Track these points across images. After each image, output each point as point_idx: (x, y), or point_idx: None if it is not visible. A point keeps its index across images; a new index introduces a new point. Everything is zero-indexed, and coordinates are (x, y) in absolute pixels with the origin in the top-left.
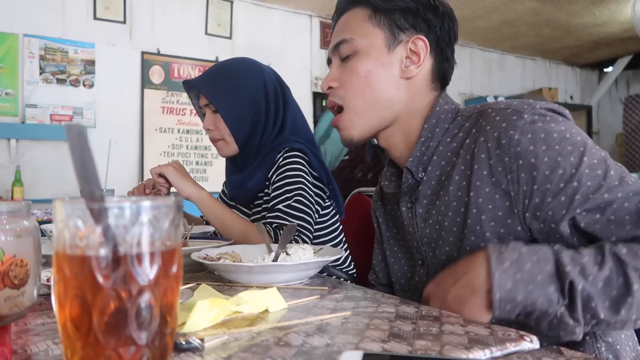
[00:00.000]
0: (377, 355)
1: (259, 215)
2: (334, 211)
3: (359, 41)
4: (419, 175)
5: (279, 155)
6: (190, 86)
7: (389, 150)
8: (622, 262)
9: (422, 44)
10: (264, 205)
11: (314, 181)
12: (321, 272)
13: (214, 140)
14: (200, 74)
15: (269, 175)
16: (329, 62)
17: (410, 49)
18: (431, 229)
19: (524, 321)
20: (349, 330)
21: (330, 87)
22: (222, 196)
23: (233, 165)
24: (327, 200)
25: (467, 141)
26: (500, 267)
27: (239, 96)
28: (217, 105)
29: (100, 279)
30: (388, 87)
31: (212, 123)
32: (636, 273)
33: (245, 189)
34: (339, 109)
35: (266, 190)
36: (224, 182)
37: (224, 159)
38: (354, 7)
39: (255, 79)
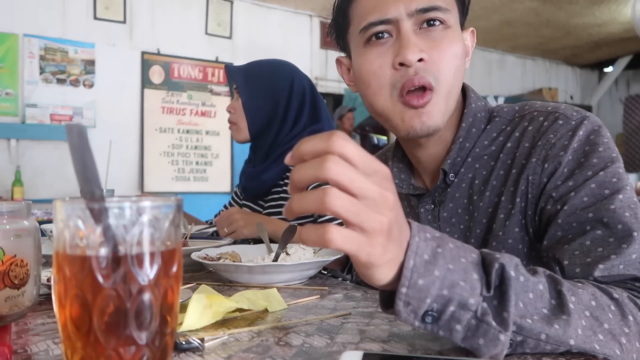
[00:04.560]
0: (377, 355)
1: (272, 211)
2: None
3: (451, 15)
4: (450, 177)
5: None
6: (228, 70)
7: (423, 149)
8: (556, 280)
9: (472, 38)
10: (279, 202)
11: None
12: (327, 271)
13: (230, 124)
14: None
15: (287, 174)
16: (383, 23)
17: (464, 42)
18: (460, 234)
19: (429, 329)
20: (349, 330)
21: (420, 60)
22: (235, 198)
23: (249, 160)
24: None
25: (509, 145)
26: (422, 234)
27: (263, 88)
28: (241, 89)
29: (100, 279)
30: (463, 76)
31: (233, 106)
32: (571, 294)
33: (260, 181)
34: (421, 89)
35: (285, 187)
36: (237, 185)
37: (224, 159)
38: None
39: (283, 78)
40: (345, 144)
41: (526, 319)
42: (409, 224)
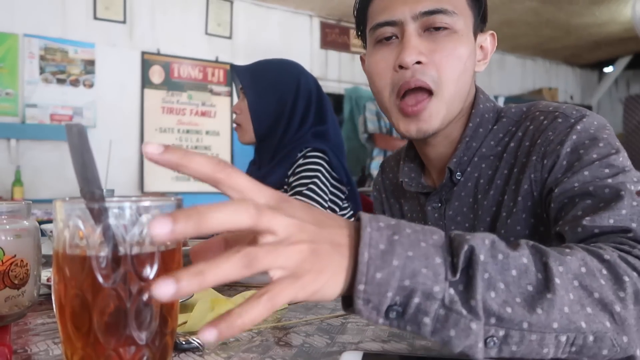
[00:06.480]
0: (377, 355)
1: None
2: (351, 213)
3: (459, 18)
4: (457, 176)
5: (299, 155)
6: (234, 70)
7: (431, 147)
8: (541, 251)
9: (492, 41)
10: None
11: (333, 182)
12: None
13: (235, 125)
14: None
15: (289, 173)
16: (389, 24)
17: (481, 45)
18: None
19: (395, 325)
20: (349, 330)
21: (418, 62)
22: None
23: (254, 162)
24: (344, 202)
25: (512, 145)
26: (374, 223)
27: (269, 89)
28: (246, 90)
29: (100, 279)
30: (470, 79)
31: (239, 107)
32: (558, 264)
33: (266, 184)
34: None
35: (285, 187)
36: None
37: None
38: None
39: (290, 78)
40: (234, 174)
41: (506, 307)
42: (359, 217)
